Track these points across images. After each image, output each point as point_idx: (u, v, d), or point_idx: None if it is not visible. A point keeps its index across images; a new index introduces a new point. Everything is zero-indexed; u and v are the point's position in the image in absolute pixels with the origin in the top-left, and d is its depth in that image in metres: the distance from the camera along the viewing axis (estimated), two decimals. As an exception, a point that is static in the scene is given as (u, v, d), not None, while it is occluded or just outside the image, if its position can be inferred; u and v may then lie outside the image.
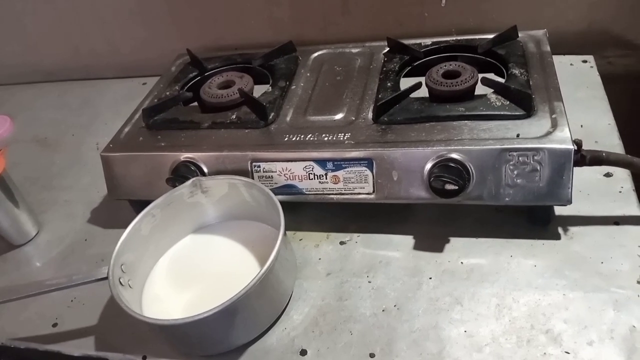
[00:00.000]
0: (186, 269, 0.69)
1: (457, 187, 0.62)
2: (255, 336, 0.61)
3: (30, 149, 1.03)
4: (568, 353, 0.54)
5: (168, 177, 0.71)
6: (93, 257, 0.76)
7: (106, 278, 0.61)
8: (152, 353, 0.62)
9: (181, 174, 0.70)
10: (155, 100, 0.84)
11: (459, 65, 0.73)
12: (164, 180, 0.71)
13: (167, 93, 0.84)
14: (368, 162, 0.66)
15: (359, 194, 0.68)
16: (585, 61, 0.89)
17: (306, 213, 0.74)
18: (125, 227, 0.66)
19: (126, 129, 0.80)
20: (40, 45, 1.17)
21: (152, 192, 0.70)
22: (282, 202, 0.64)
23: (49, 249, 0.80)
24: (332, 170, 0.68)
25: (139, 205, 0.71)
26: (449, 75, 0.71)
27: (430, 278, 0.64)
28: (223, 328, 0.58)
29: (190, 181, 0.69)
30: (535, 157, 0.61)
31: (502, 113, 0.65)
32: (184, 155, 0.72)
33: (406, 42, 0.82)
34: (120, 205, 0.80)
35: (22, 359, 0.68)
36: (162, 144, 0.75)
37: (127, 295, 0.60)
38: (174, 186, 0.69)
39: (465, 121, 0.66)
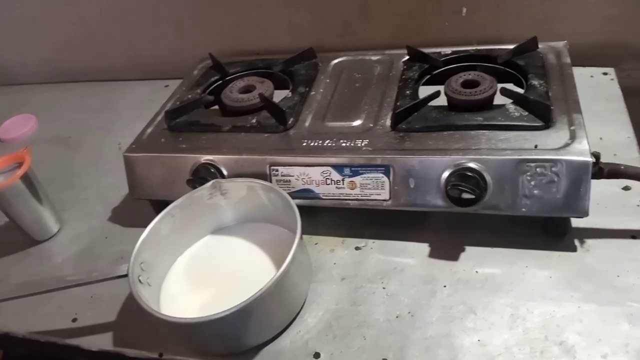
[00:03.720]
0: (203, 269, 0.70)
1: (473, 197, 0.62)
2: (269, 338, 0.62)
3: (54, 147, 1.05)
4: (581, 365, 0.54)
5: (188, 178, 0.72)
6: (112, 254, 0.78)
7: (126, 275, 0.62)
8: (168, 351, 0.63)
9: (201, 175, 0.72)
10: (178, 102, 0.85)
11: (478, 75, 0.73)
12: (184, 182, 0.72)
13: (189, 96, 0.86)
14: (385, 169, 0.67)
15: (376, 200, 0.69)
16: (605, 73, 0.89)
17: (322, 218, 0.75)
18: (145, 226, 0.67)
19: (148, 130, 0.82)
20: (65, 47, 1.20)
21: (172, 193, 0.72)
22: (298, 206, 0.64)
23: (70, 245, 0.82)
24: (349, 176, 0.68)
25: (159, 205, 0.73)
26: (468, 84, 0.72)
27: (445, 286, 0.64)
28: (238, 328, 0.59)
29: (210, 183, 0.70)
30: (553, 169, 0.61)
31: (520, 124, 0.66)
32: (204, 158, 0.73)
33: (426, 50, 0.83)
34: (140, 205, 0.81)
35: (41, 352, 0.70)
36: (183, 146, 0.76)
37: (145, 293, 0.62)
38: (194, 187, 0.71)
39: (484, 131, 0.66)
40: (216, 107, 0.86)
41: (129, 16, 1.11)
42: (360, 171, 0.68)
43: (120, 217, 0.85)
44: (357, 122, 0.74)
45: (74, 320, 0.70)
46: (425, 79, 0.81)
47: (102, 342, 0.66)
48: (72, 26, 1.16)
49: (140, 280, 0.63)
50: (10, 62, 1.28)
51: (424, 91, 0.75)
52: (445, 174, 0.64)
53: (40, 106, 1.18)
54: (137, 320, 0.66)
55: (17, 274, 0.79)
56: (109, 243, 0.81)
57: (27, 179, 0.79)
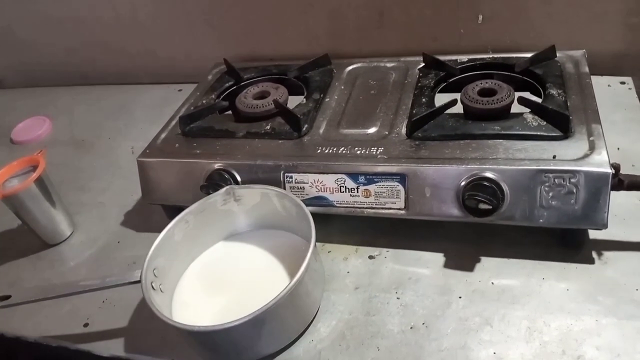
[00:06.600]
0: (216, 276, 0.70)
1: (490, 207, 0.61)
2: (282, 346, 0.61)
3: (68, 150, 1.05)
4: (600, 381, 0.53)
5: (202, 184, 0.72)
6: (125, 259, 0.78)
7: (139, 281, 0.62)
8: (180, 357, 0.63)
9: (215, 181, 0.71)
10: (192, 108, 0.85)
11: (495, 84, 0.72)
12: (198, 187, 0.72)
13: (204, 101, 0.86)
14: (401, 178, 0.66)
15: (390, 208, 0.68)
16: (623, 82, 0.88)
17: (336, 225, 0.74)
18: (158, 231, 0.67)
19: (162, 135, 0.81)
20: (80, 49, 1.21)
21: (185, 198, 0.72)
22: (312, 214, 0.64)
23: (83, 249, 0.82)
24: (364, 184, 0.68)
25: (172, 210, 0.73)
26: (485, 93, 0.71)
27: (460, 297, 0.63)
28: (251, 337, 0.58)
29: (224, 189, 0.70)
30: (572, 180, 0.60)
31: (538, 133, 0.65)
32: (218, 164, 0.73)
33: (442, 58, 0.82)
34: (153, 210, 0.81)
35: (53, 357, 0.69)
36: (197, 152, 0.76)
37: (158, 300, 0.61)
38: (208, 193, 0.70)
39: (501, 140, 0.66)
40: (230, 112, 0.86)
41: (145, 20, 1.11)
42: (375, 179, 0.67)
43: (133, 221, 0.85)
44: (372, 130, 0.73)
45: (86, 325, 0.70)
46: (441, 86, 0.80)
47: (114, 347, 0.66)
48: (88, 30, 1.17)
49: (153, 287, 0.62)
50: (26, 65, 1.29)
51: (440, 99, 0.75)
52: (462, 184, 0.63)
53: (55, 109, 1.19)
54: (149, 327, 0.66)
55: (29, 277, 0.79)
56: (122, 247, 0.80)
57: (40, 183, 0.79)
